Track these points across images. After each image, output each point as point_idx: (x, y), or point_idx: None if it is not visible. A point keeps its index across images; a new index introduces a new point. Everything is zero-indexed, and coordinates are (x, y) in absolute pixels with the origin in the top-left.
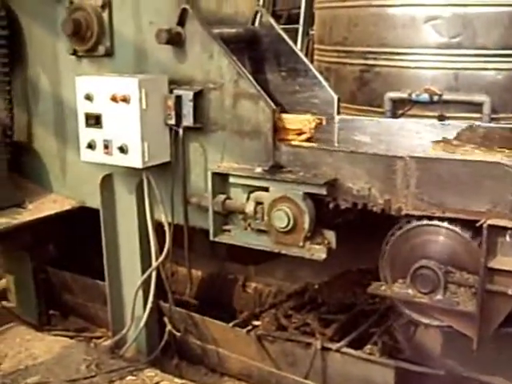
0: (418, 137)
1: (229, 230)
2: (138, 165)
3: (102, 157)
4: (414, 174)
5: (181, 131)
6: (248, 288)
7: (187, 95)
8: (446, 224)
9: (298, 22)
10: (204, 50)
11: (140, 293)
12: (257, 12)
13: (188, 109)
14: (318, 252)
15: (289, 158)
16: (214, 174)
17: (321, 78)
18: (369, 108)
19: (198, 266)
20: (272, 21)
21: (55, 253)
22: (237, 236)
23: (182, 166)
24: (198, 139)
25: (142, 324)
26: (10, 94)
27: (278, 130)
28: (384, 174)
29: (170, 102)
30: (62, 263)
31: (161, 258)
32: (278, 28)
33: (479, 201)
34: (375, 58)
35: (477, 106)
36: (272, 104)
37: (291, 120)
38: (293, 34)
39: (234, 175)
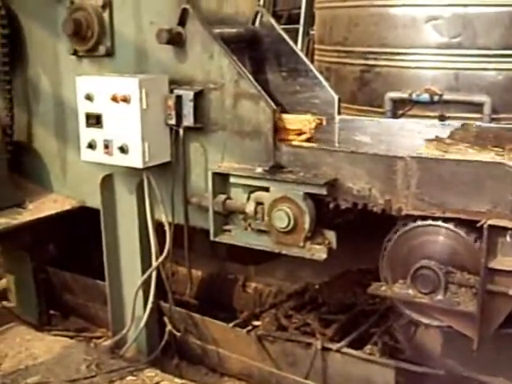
0: (418, 137)
1: (229, 230)
2: (139, 165)
3: (103, 157)
4: (415, 175)
5: (181, 131)
6: (248, 288)
7: (188, 95)
8: (446, 224)
9: (298, 22)
10: (204, 50)
11: (140, 293)
12: (257, 12)
13: (188, 109)
14: (319, 252)
15: (289, 158)
16: (215, 174)
17: (321, 78)
18: (369, 108)
19: (198, 266)
20: (272, 21)
21: (55, 253)
22: (237, 236)
23: (182, 166)
24: (199, 139)
25: (142, 324)
26: (10, 94)
27: (278, 130)
28: (384, 175)
29: (171, 102)
30: (63, 263)
31: (161, 258)
32: (279, 28)
33: (480, 201)
34: (376, 58)
35: (477, 107)
36: (272, 104)
37: (291, 120)
38: (293, 34)
39: (234, 175)
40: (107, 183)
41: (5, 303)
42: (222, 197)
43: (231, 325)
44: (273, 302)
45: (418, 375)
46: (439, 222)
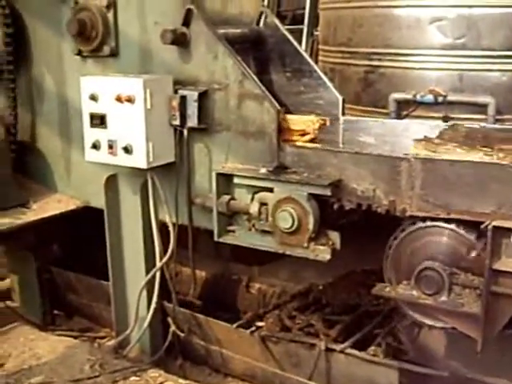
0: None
1: (233, 231)
2: (143, 165)
3: (107, 157)
4: (419, 175)
5: (185, 132)
6: (252, 289)
7: (192, 95)
8: (450, 225)
9: (302, 23)
10: (209, 51)
11: (144, 293)
12: (262, 12)
13: (193, 109)
14: (323, 253)
15: (293, 158)
16: (219, 175)
17: (325, 79)
18: (373, 109)
19: (202, 267)
20: (277, 21)
21: (59, 253)
22: (241, 237)
23: (186, 166)
24: (203, 140)
25: (145, 324)
26: (14, 92)
27: (282, 130)
28: (389, 175)
29: (175, 103)
30: (67, 263)
31: (165, 259)
32: (283, 29)
33: (484, 202)
34: (380, 59)
35: (481, 108)
36: (277, 105)
37: (295, 121)
38: (297, 35)
39: (238, 176)
40: (111, 183)
41: (9, 303)
42: (226, 197)
43: (235, 325)
44: (276, 303)
45: (421, 376)
46: (443, 223)
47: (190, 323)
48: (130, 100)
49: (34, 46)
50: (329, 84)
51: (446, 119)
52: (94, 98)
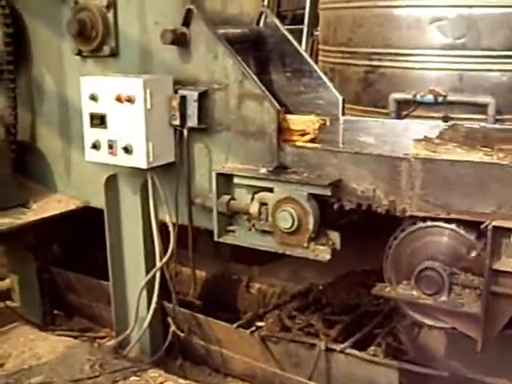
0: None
1: (233, 231)
2: (143, 165)
3: (107, 157)
4: (419, 175)
5: (185, 132)
6: (252, 289)
7: (192, 95)
8: (450, 225)
9: (302, 23)
10: (209, 51)
11: (144, 293)
12: (262, 12)
13: (193, 109)
14: (323, 253)
15: (293, 158)
16: (219, 175)
17: (325, 79)
18: (373, 109)
19: (202, 267)
20: (277, 21)
21: (59, 253)
22: (241, 237)
23: (186, 166)
24: (203, 140)
25: (145, 324)
26: (14, 92)
27: (282, 130)
28: (389, 175)
29: (175, 103)
30: (67, 263)
31: (165, 259)
32: (283, 29)
33: (484, 202)
34: (380, 59)
35: (481, 108)
36: (277, 105)
37: (295, 121)
38: (297, 35)
39: (238, 176)
40: (111, 183)
41: (9, 303)
42: (226, 197)
43: (235, 325)
44: (276, 303)
45: (421, 376)
46: (443, 223)
47: (190, 323)
48: (130, 100)
49: (33, 45)
50: (329, 84)
51: (446, 119)
52: (94, 97)
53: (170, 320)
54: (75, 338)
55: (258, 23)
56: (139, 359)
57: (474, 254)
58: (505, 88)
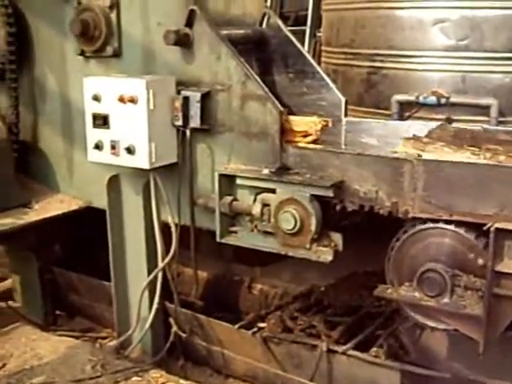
0: None
1: (235, 232)
2: (145, 165)
3: (109, 157)
4: (422, 177)
5: (188, 132)
6: (254, 289)
7: (195, 96)
8: (452, 227)
9: (305, 24)
10: (212, 52)
11: (146, 293)
12: (264, 13)
13: (195, 110)
14: (325, 254)
15: (296, 159)
16: (221, 176)
17: (328, 80)
18: (376, 110)
19: (204, 267)
20: (280, 22)
21: (61, 253)
22: (243, 237)
23: (189, 167)
24: (206, 140)
25: (147, 325)
26: (16, 92)
27: (285, 131)
28: (391, 177)
29: (178, 103)
30: (68, 263)
31: (167, 259)
32: (286, 30)
33: (486, 204)
34: (382, 61)
35: (484, 109)
36: (279, 106)
37: (297, 122)
38: (300, 36)
39: (241, 177)
40: (114, 184)
41: (10, 303)
42: (229, 198)
43: (237, 326)
44: (278, 304)
45: (423, 378)
46: (446, 225)
47: (192, 324)
48: (132, 100)
49: (36, 45)
50: (331, 85)
51: (448, 121)
52: (96, 98)
53: (171, 321)
54: (77, 338)
55: (260, 24)
56: (141, 360)
57: (476, 255)
58: (507, 90)
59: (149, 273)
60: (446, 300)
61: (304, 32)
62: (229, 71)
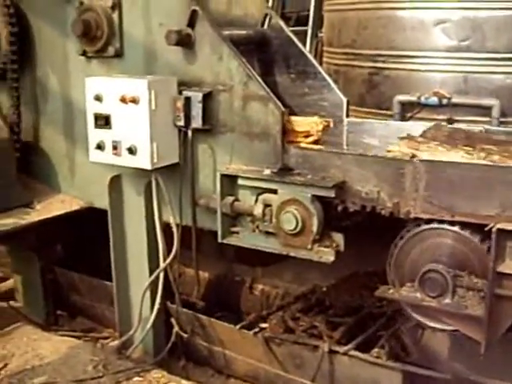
0: None
1: (237, 232)
2: (147, 166)
3: (111, 158)
4: (423, 178)
5: (190, 133)
6: (255, 290)
7: (196, 97)
8: (454, 228)
9: (306, 25)
10: (214, 52)
11: (147, 294)
12: (266, 14)
13: (197, 110)
14: (327, 255)
15: (297, 160)
16: (223, 176)
17: (330, 81)
18: (377, 111)
19: (206, 268)
20: (281, 23)
21: (63, 253)
22: (245, 238)
23: (190, 167)
24: (207, 141)
25: (149, 325)
26: (17, 92)
27: (286, 132)
28: (393, 177)
29: (179, 104)
30: (70, 264)
31: (168, 259)
32: (288, 30)
33: (488, 205)
34: (384, 61)
35: (486, 110)
36: (281, 106)
37: (299, 122)
38: (302, 37)
39: (242, 177)
40: (115, 184)
41: (12, 303)
42: (230, 198)
43: (238, 327)
44: (280, 304)
45: (424, 378)
46: (447, 226)
47: (193, 324)
48: (134, 101)
49: (38, 45)
50: (333, 86)
51: (450, 121)
52: (98, 98)
53: (173, 321)
54: (78, 338)
55: (262, 25)
56: (142, 360)
57: (478, 256)
58: (509, 90)
59: (150, 273)
60: (447, 300)
61: (306, 32)
62: (231, 72)
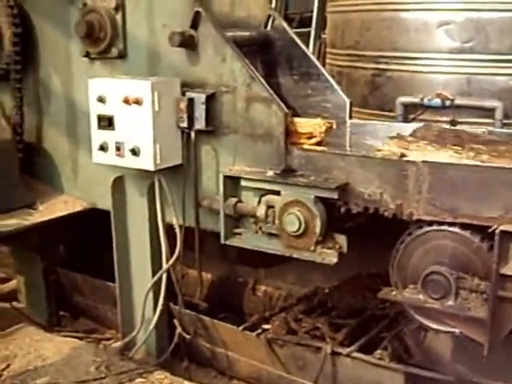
0: None
1: (240, 234)
2: (150, 167)
3: (114, 159)
4: (426, 179)
5: (193, 134)
6: (258, 291)
7: (200, 98)
8: (457, 229)
9: (310, 26)
10: (217, 53)
11: (150, 295)
12: (269, 15)
13: (200, 112)
14: (330, 256)
15: (300, 161)
16: (226, 177)
17: (333, 82)
18: (380, 112)
19: (209, 269)
20: (285, 24)
21: (66, 254)
22: (248, 239)
23: (193, 168)
24: (210, 142)
25: (151, 326)
26: (20, 92)
27: (289, 133)
28: (396, 179)
29: (183, 105)
30: (73, 264)
31: (171, 261)
32: (291, 32)
33: (491, 206)
34: (387, 63)
35: (489, 112)
36: (284, 108)
37: (302, 124)
38: (305, 38)
39: (245, 178)
40: (118, 185)
41: (15, 304)
42: (233, 200)
43: (241, 328)
44: (283, 306)
45: (427, 380)
46: (450, 227)
47: (196, 325)
48: (137, 102)
49: (41, 46)
50: (336, 87)
51: (453, 123)
52: (101, 99)
53: (176, 322)
54: (81, 339)
55: (265, 26)
56: (145, 361)
57: (480, 258)
58: None
59: (153, 274)
60: (450, 302)
61: (309, 34)
62: (234, 73)
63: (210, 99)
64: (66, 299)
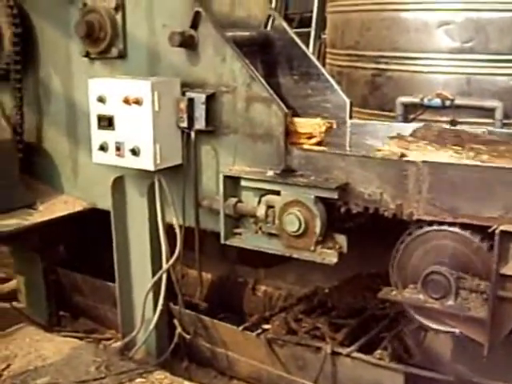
0: None
1: (240, 234)
2: (150, 167)
3: (114, 159)
4: (426, 179)
5: (193, 134)
6: (258, 291)
7: (200, 98)
8: (457, 229)
9: (310, 26)
10: (217, 53)
11: (150, 295)
12: (269, 15)
13: (200, 112)
14: (330, 256)
15: (300, 161)
16: (226, 177)
17: (333, 82)
18: (380, 112)
19: (209, 269)
20: (285, 24)
21: (66, 254)
22: (248, 239)
23: (193, 168)
24: (210, 142)
25: (151, 326)
26: (20, 92)
27: (289, 133)
28: (396, 179)
29: (183, 105)
30: (73, 264)
31: (171, 261)
32: (291, 32)
33: (491, 206)
34: (387, 63)
35: (489, 112)
36: (284, 108)
37: (302, 124)
38: (305, 38)
39: (245, 178)
40: (118, 185)
41: (15, 304)
42: (233, 200)
43: (241, 328)
44: (283, 306)
45: (427, 380)
46: (450, 227)
47: (196, 325)
48: (137, 102)
49: (41, 46)
50: (336, 87)
51: (453, 123)
52: (101, 99)
53: (176, 322)
54: (81, 339)
55: (265, 26)
56: (145, 361)
57: (480, 258)
58: None
59: (153, 274)
60: (450, 302)
61: (309, 34)
62: (234, 73)
63: (210, 99)
64: (66, 299)
